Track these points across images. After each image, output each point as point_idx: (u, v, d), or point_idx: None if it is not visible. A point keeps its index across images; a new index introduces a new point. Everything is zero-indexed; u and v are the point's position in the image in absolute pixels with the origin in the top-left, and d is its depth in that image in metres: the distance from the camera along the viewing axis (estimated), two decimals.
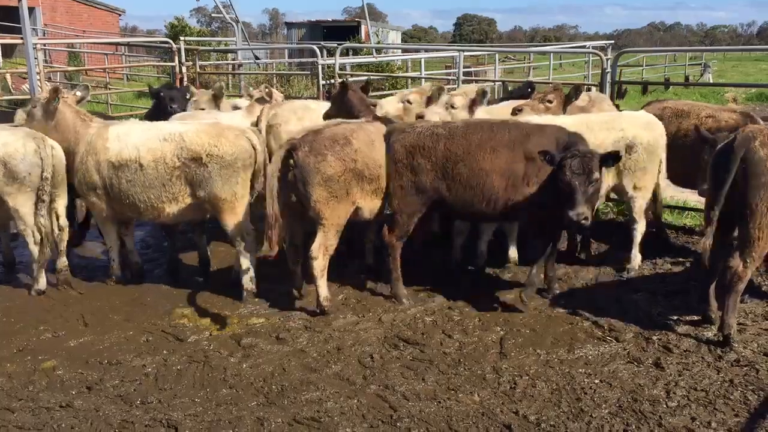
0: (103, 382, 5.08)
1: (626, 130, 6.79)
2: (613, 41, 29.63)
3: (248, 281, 6.55)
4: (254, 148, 6.50)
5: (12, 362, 5.41)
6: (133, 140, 6.39)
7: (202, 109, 8.28)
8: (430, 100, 7.22)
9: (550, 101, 7.48)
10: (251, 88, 9.24)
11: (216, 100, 8.48)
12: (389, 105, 7.50)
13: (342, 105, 7.28)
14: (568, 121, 6.73)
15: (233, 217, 6.47)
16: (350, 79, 13.69)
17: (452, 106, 6.87)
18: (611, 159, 5.73)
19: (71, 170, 6.65)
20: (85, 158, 6.49)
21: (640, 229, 7.05)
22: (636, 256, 7.08)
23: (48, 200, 6.60)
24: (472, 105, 6.93)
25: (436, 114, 6.76)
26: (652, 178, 6.98)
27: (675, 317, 5.99)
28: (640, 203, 7.00)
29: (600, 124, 6.82)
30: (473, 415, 4.58)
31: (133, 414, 4.65)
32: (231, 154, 6.35)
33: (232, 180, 6.37)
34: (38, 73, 10.34)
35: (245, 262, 6.53)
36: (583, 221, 5.56)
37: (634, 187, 6.90)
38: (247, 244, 6.51)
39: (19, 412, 4.69)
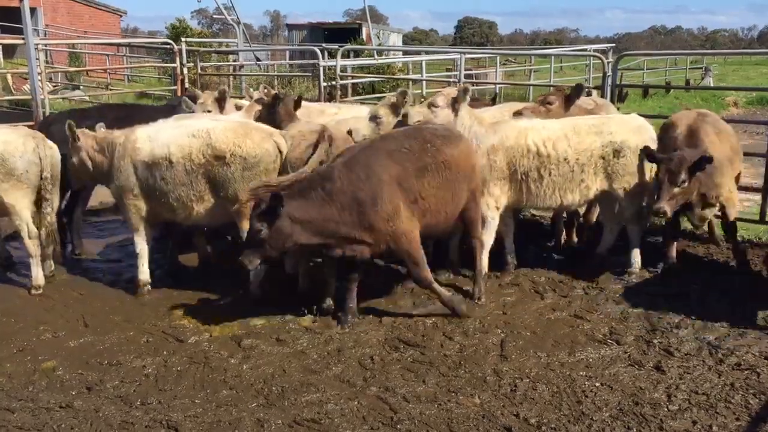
0: (103, 383, 5.07)
1: (615, 134, 6.76)
2: (614, 44, 29.64)
3: (256, 288, 6.59)
4: (280, 151, 6.43)
5: (12, 362, 5.40)
6: (164, 138, 6.38)
7: (209, 111, 8.24)
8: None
9: (550, 103, 7.48)
10: (251, 89, 9.22)
11: (220, 102, 8.43)
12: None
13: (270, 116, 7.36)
14: (555, 126, 6.75)
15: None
16: (352, 81, 13.72)
17: (434, 105, 6.80)
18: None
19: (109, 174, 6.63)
20: (119, 161, 6.47)
21: (635, 233, 7.05)
22: (636, 260, 7.08)
23: (50, 199, 6.66)
24: (455, 103, 6.88)
25: (419, 114, 6.73)
26: (641, 182, 6.93)
27: (676, 320, 5.99)
28: (631, 208, 6.98)
29: (588, 128, 6.81)
30: (474, 418, 4.57)
31: (133, 415, 4.64)
32: (254, 156, 6.29)
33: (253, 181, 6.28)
34: (39, 74, 10.35)
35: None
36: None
37: (624, 191, 6.88)
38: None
39: (19, 413, 4.68)
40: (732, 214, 6.95)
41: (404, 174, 5.70)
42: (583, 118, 7.15)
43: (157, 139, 6.39)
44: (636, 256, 7.06)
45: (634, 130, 6.85)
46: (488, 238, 6.78)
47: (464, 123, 6.62)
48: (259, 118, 7.35)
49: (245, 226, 6.25)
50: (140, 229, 6.69)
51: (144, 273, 6.77)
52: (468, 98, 6.75)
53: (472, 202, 6.35)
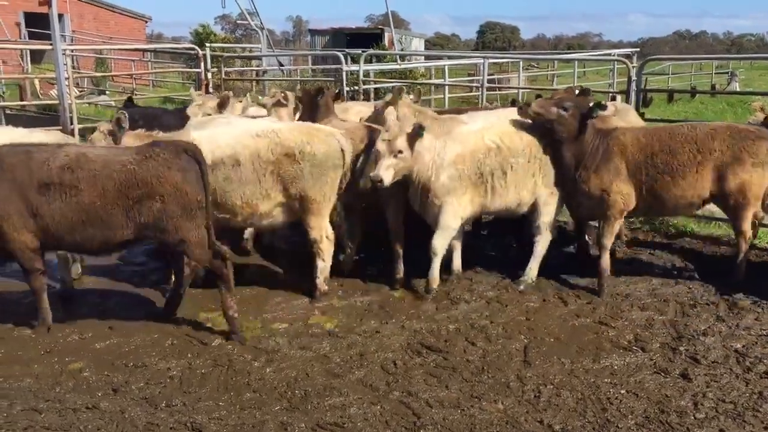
0: (129, 385, 5.12)
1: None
2: (638, 49, 29.41)
3: (322, 282, 6.69)
4: (342, 150, 6.54)
5: (39, 363, 5.47)
6: (226, 138, 6.40)
7: (208, 114, 8.21)
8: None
9: None
10: (260, 97, 9.09)
11: (221, 106, 8.35)
12: None
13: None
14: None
15: (319, 219, 6.55)
16: (374, 86, 13.77)
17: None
18: None
19: None
20: None
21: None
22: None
23: None
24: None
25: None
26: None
27: (702, 328, 5.92)
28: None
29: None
30: (497, 423, 4.56)
31: (158, 416, 4.67)
32: (323, 153, 6.42)
33: (322, 179, 6.43)
34: (67, 79, 10.50)
35: (321, 264, 6.66)
36: None
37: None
38: (327, 247, 6.65)
39: (46, 413, 4.73)
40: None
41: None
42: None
43: (217, 140, 6.39)
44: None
45: None
46: (443, 247, 6.70)
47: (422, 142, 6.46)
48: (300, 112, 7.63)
49: (313, 222, 6.50)
50: None
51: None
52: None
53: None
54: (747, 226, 6.69)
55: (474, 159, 6.55)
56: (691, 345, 5.61)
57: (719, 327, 5.94)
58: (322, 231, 6.59)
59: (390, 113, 7.10)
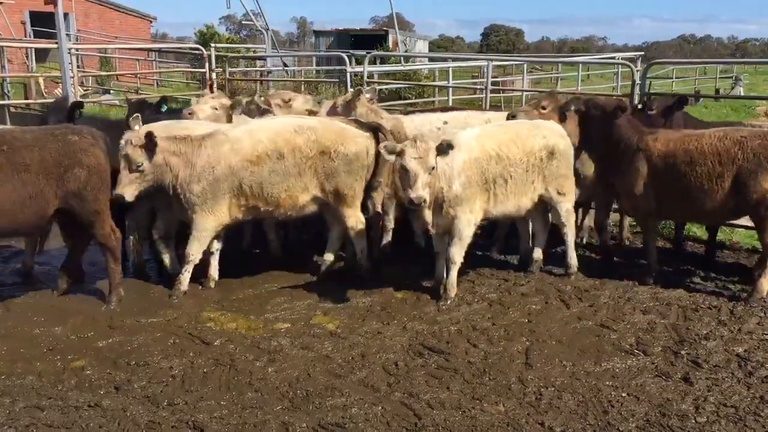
0: (131, 383, 5.13)
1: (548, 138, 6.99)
2: (642, 53, 29.40)
3: (365, 260, 7.21)
4: (368, 150, 6.92)
5: (42, 361, 5.48)
6: (267, 134, 6.67)
7: (215, 109, 8.23)
8: None
9: (544, 107, 7.52)
10: (256, 97, 9.11)
11: (232, 109, 8.35)
12: None
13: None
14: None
15: (352, 209, 6.99)
16: (378, 87, 13.81)
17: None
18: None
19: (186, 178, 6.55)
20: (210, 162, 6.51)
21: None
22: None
23: None
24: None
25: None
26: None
27: (704, 332, 5.92)
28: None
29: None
30: (498, 425, 4.56)
31: (159, 415, 4.69)
32: (354, 153, 6.82)
33: (352, 176, 6.86)
34: (72, 78, 10.54)
35: (360, 243, 7.14)
36: None
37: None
38: (362, 230, 7.09)
39: (48, 411, 4.75)
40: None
41: None
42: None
43: (258, 135, 6.63)
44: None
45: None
46: (461, 255, 6.68)
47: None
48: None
49: (349, 212, 6.96)
50: (210, 233, 6.75)
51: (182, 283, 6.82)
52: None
53: None
54: None
55: (479, 166, 6.57)
56: (693, 349, 5.61)
57: (721, 331, 5.94)
58: (357, 217, 7.03)
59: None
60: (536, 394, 4.94)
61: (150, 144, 6.26)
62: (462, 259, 6.66)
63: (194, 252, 6.69)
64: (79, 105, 8.03)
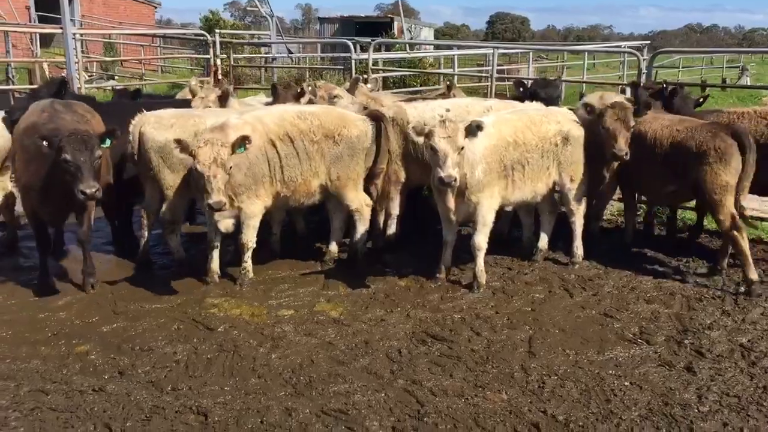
0: (135, 368, 5.15)
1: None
2: (648, 42, 29.23)
3: (362, 247, 7.24)
4: (368, 134, 6.99)
5: (47, 346, 5.51)
6: (273, 119, 6.70)
7: (208, 107, 8.19)
8: None
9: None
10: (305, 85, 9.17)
11: (222, 99, 8.32)
12: None
13: None
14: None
15: (356, 192, 7.03)
16: (382, 75, 13.76)
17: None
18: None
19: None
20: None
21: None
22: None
23: None
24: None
25: None
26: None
27: (708, 322, 5.91)
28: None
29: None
30: (501, 413, 4.57)
31: (163, 400, 4.71)
32: (356, 136, 6.89)
33: (355, 159, 6.93)
34: (76, 63, 10.52)
35: (362, 228, 7.15)
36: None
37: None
38: (366, 214, 7.12)
39: (53, 394, 4.78)
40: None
41: None
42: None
43: (265, 120, 6.66)
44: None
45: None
46: (485, 242, 6.68)
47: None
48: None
49: (352, 196, 6.99)
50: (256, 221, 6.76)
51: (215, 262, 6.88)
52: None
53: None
54: None
55: (497, 152, 6.56)
56: (697, 338, 5.61)
57: (725, 321, 5.94)
58: (361, 201, 7.06)
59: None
60: (539, 383, 4.95)
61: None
62: (486, 246, 6.67)
63: (250, 239, 6.74)
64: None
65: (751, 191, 6.81)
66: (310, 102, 8.02)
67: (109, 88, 18.71)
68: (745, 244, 6.55)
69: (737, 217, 6.51)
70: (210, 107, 7.99)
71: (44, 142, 5.78)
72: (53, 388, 4.87)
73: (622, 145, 6.65)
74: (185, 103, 8.36)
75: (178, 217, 7.04)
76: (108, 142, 6.09)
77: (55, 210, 6.40)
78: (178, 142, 5.97)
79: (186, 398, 4.74)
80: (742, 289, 6.56)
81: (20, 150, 6.30)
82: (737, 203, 6.50)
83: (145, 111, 6.89)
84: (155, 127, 6.67)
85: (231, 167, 5.98)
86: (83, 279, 6.64)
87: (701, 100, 8.02)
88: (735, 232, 6.51)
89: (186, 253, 7.23)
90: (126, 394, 4.78)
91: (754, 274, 6.52)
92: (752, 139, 6.51)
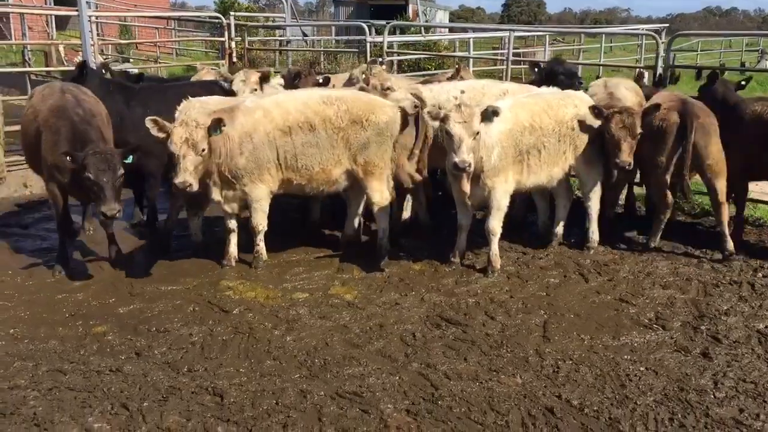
0: (152, 349, 5.20)
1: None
2: (667, 25, 28.83)
3: (386, 240, 6.94)
4: (396, 121, 6.80)
5: (64, 326, 5.57)
6: (295, 105, 6.61)
7: (254, 90, 8.16)
8: None
9: None
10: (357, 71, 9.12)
11: (262, 82, 8.30)
12: None
13: None
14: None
15: (381, 182, 6.80)
16: (397, 58, 13.69)
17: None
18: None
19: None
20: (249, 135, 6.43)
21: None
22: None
23: None
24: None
25: None
26: None
27: (725, 308, 5.87)
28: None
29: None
30: (515, 397, 4.57)
31: (180, 381, 4.75)
32: (384, 122, 6.68)
33: (383, 146, 6.72)
34: (92, 45, 10.53)
35: (383, 221, 6.89)
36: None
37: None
38: (387, 208, 6.89)
39: (70, 374, 4.83)
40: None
41: None
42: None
43: (286, 106, 6.58)
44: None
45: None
46: (500, 226, 6.68)
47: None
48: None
49: (377, 186, 6.77)
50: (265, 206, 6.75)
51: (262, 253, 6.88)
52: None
53: None
54: None
55: (513, 137, 6.52)
56: (713, 324, 5.57)
57: (742, 307, 5.90)
58: (384, 195, 6.83)
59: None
60: (553, 367, 4.94)
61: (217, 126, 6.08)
62: (501, 230, 6.66)
63: (259, 222, 6.73)
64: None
65: None
66: (362, 90, 7.82)
67: (125, 71, 18.82)
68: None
69: None
70: (256, 90, 7.99)
71: (68, 158, 5.90)
72: (71, 368, 4.92)
73: (625, 157, 6.57)
74: (184, 87, 8.43)
75: (200, 200, 7.07)
76: (131, 158, 6.14)
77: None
78: (155, 122, 5.97)
79: (202, 379, 4.78)
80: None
81: (47, 130, 6.34)
82: None
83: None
84: (200, 113, 6.62)
85: (204, 150, 5.96)
86: (108, 248, 6.81)
87: (743, 83, 7.74)
88: None
89: (203, 237, 7.26)
90: (143, 374, 4.83)
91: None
92: None
